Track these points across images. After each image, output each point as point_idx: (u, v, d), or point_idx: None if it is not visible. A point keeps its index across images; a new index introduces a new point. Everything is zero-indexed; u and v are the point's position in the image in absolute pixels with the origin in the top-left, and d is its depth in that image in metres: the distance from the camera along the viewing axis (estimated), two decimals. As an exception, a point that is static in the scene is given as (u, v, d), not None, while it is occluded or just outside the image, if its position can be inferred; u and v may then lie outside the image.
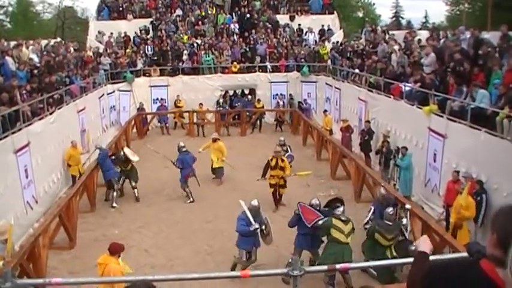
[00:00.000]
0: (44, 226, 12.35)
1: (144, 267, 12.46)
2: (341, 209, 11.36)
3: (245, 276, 6.27)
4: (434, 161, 15.82)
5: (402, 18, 75.00)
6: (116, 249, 9.63)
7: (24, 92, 17.25)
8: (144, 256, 13.27)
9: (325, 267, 7.09)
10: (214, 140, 19.87)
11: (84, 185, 16.10)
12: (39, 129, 16.54)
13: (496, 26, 21.54)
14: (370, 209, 12.94)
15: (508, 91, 13.45)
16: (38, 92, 18.39)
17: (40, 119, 17.10)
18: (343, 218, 10.99)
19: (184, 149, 17.88)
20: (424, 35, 23.74)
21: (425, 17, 72.35)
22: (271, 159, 16.40)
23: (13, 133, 14.63)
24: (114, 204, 16.99)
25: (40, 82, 19.24)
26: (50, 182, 17.23)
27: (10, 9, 59.56)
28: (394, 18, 73.85)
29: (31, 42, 23.82)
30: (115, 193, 17.30)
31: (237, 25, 33.44)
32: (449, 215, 13.82)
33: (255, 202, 12.17)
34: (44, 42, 25.57)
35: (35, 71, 19.93)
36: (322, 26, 33.52)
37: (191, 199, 17.33)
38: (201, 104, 28.32)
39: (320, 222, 11.25)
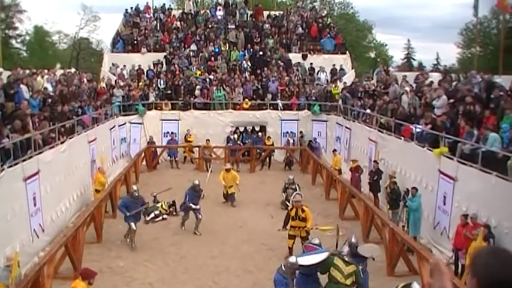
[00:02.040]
0: (49, 255, 12.28)
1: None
2: (346, 249, 11.26)
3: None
4: (444, 203, 15.69)
5: (414, 59, 75.48)
6: (86, 275, 9.69)
7: (37, 120, 17.38)
8: (149, 290, 13.16)
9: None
10: (228, 170, 21.03)
11: (91, 216, 16.06)
12: (49, 158, 16.59)
13: (507, 69, 21.64)
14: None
15: (519, 135, 13.42)
16: (50, 120, 18.52)
17: (51, 147, 17.18)
18: (346, 259, 10.87)
19: (198, 188, 18.33)
20: (435, 77, 23.83)
21: (437, 59, 72.71)
22: (291, 210, 15.37)
23: (23, 160, 14.68)
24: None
25: (52, 111, 19.40)
26: (57, 211, 17.22)
27: (27, 38, 60.56)
28: (405, 60, 74.26)
29: (46, 71, 24.10)
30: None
31: (249, 62, 33.68)
32: (458, 258, 13.74)
33: (293, 259, 11.44)
34: (59, 72, 25.85)
35: (49, 100, 20.10)
36: (334, 65, 33.72)
37: (184, 227, 17.93)
38: (208, 140, 28.35)
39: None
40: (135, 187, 17.33)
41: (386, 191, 18.31)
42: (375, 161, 21.10)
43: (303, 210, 15.11)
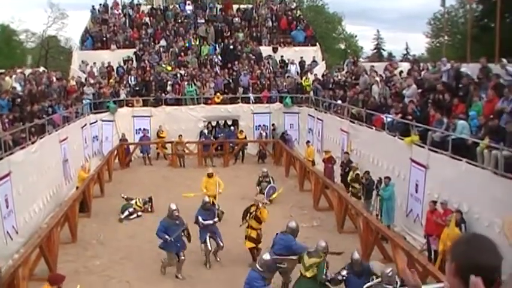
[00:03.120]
0: (24, 257, 12.15)
1: (125, 299, 12.32)
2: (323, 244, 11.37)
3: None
4: (416, 191, 15.93)
5: (383, 50, 76.13)
6: (54, 280, 9.70)
7: (6, 120, 17.16)
8: (126, 288, 13.13)
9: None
10: (211, 176, 18.66)
11: (65, 216, 15.92)
12: (20, 159, 16.41)
13: (474, 58, 21.98)
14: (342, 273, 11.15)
15: (487, 122, 13.66)
16: (20, 121, 18.30)
17: (22, 148, 16.98)
18: (310, 251, 11.00)
19: (209, 205, 15.21)
20: (405, 66, 24.08)
21: (406, 49, 73.45)
22: (251, 205, 14.85)
23: (-6, 162, 14.51)
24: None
25: (22, 111, 19.17)
26: (31, 212, 17.05)
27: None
28: (375, 50, 74.83)
29: (17, 70, 23.78)
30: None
31: (219, 56, 33.62)
32: (431, 244, 13.99)
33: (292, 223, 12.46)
34: (27, 71, 25.52)
35: (18, 100, 19.85)
36: (302, 57, 33.80)
37: (209, 264, 14.44)
38: (180, 135, 28.27)
39: None
40: (173, 206, 14.28)
41: (360, 181, 18.46)
42: (345, 153, 21.29)
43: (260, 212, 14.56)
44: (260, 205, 14.59)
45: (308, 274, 10.76)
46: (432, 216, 13.82)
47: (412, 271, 2.79)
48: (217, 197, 17.52)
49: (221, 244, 14.51)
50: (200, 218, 14.45)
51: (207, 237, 14.41)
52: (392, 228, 15.97)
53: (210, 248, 14.38)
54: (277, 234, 12.48)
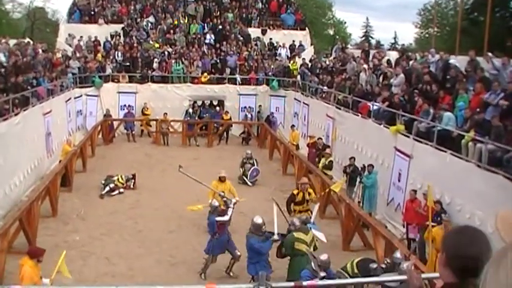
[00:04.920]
0: (3, 230, 12.06)
1: (104, 276, 12.27)
2: (297, 221, 11.37)
3: (210, 288, 6.18)
4: (399, 180, 16.00)
5: (372, 38, 76.05)
6: (34, 253, 9.68)
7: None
8: (105, 264, 13.08)
9: (291, 283, 6.94)
10: (223, 180, 15.86)
11: (46, 189, 15.79)
12: (3, 130, 16.25)
13: (462, 50, 22.04)
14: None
15: (473, 115, 13.73)
16: (3, 92, 18.06)
17: (4, 119, 16.79)
18: (303, 229, 11.01)
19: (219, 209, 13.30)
20: (393, 55, 24.10)
21: (395, 38, 73.63)
22: (297, 194, 14.48)
23: (-24, 133, 14.34)
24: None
25: (6, 82, 18.92)
26: (11, 185, 16.88)
27: (-22, 6, 58.49)
28: (364, 38, 74.77)
29: (3, 40, 23.43)
30: None
31: (213, 35, 33.40)
32: (409, 233, 14.11)
33: (258, 219, 11.36)
34: (12, 41, 25.16)
35: (2, 71, 19.58)
36: (294, 41, 33.72)
37: (204, 275, 12.48)
38: (165, 113, 28.13)
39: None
40: (216, 202, 13.53)
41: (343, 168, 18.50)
42: (319, 138, 21.35)
43: (309, 193, 14.60)
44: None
45: (311, 249, 10.79)
46: (412, 205, 13.92)
47: (418, 272, 2.84)
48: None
49: (238, 254, 12.38)
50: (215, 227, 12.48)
51: (218, 253, 12.60)
52: (374, 216, 16.05)
53: (215, 261, 12.59)
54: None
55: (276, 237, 11.30)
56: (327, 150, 20.26)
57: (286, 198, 15.09)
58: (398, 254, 10.24)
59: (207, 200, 14.85)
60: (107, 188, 18.66)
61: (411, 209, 13.99)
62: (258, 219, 11.38)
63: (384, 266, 10.12)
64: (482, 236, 2.53)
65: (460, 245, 2.50)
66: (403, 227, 14.71)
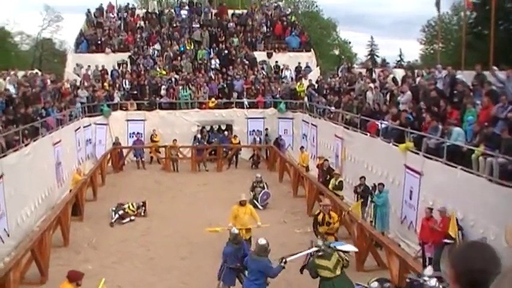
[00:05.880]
0: (15, 260, 12.06)
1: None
2: (319, 243, 11.22)
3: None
4: (411, 198, 15.90)
5: (377, 56, 76.20)
6: (73, 277, 9.70)
7: (-1, 123, 17.09)
8: (118, 292, 13.04)
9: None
10: (243, 204, 15.11)
11: (57, 219, 15.80)
12: (13, 161, 16.32)
13: (468, 64, 22.05)
14: None
15: (482, 129, 13.67)
16: (13, 123, 18.19)
17: (15, 150, 16.88)
18: (323, 254, 10.83)
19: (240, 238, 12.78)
20: (399, 73, 24.12)
21: (400, 55, 73.71)
22: (318, 214, 14.40)
23: (-14, 165, 14.42)
24: None
25: (16, 113, 19.06)
26: (23, 215, 16.93)
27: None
28: (369, 57, 74.93)
29: (12, 72, 23.66)
30: None
31: (217, 60, 33.57)
32: (426, 252, 13.95)
33: (262, 241, 11.08)
34: (21, 73, 25.41)
35: (11, 102, 19.75)
36: (299, 63, 33.84)
37: None
38: (175, 139, 28.20)
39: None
40: (235, 230, 12.97)
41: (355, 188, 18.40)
42: (325, 160, 21.28)
43: (330, 216, 14.28)
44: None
45: (338, 272, 10.66)
46: (428, 223, 13.75)
47: None
48: (247, 234, 14.62)
49: None
50: (229, 261, 12.10)
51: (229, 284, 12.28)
52: (387, 235, 15.93)
53: None
54: (246, 255, 11.64)
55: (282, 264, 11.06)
56: (336, 171, 20.18)
57: (297, 220, 15.04)
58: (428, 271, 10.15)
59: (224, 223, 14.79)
60: (116, 216, 18.65)
61: (427, 227, 13.78)
62: (262, 241, 11.12)
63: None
64: (489, 250, 2.55)
65: (468, 259, 2.51)
66: (419, 245, 14.56)
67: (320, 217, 14.27)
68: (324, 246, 11.08)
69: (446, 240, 12.63)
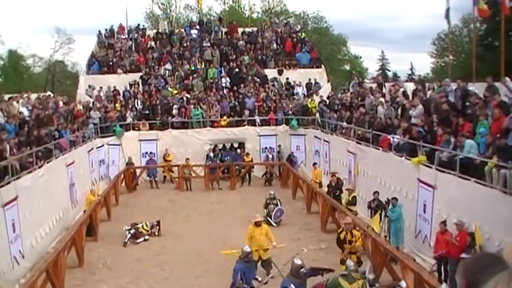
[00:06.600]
0: (30, 282, 12.09)
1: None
2: (351, 264, 11.13)
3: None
4: (424, 212, 15.81)
5: (388, 70, 76.24)
6: None
7: (13, 145, 17.21)
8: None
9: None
10: (259, 224, 14.92)
11: (72, 240, 15.86)
12: (27, 183, 16.42)
13: (479, 77, 21.99)
14: None
15: (495, 141, 13.60)
16: (27, 145, 18.34)
17: (29, 172, 17.00)
18: (349, 277, 10.69)
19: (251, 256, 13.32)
20: (410, 86, 24.08)
21: (411, 69, 73.71)
22: (340, 233, 14.47)
23: (1, 186, 14.52)
24: None
25: (29, 136, 19.23)
26: (37, 237, 17.00)
27: (1, 62, 59.97)
28: (380, 71, 74.96)
29: (25, 95, 23.90)
30: None
31: (228, 78, 33.72)
32: (441, 266, 13.83)
33: (298, 261, 11.18)
34: (34, 95, 25.65)
35: (24, 125, 19.94)
36: (310, 79, 33.92)
37: None
38: (187, 158, 28.29)
39: None
40: (247, 248, 13.18)
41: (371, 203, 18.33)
42: (333, 175, 21.22)
43: (352, 234, 14.18)
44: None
45: None
46: (443, 237, 13.63)
47: None
48: (265, 254, 14.72)
49: None
50: (242, 277, 12.34)
51: None
52: (401, 250, 15.83)
53: None
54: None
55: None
56: (349, 186, 20.12)
57: (311, 236, 14.95)
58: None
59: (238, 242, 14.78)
60: (129, 235, 18.67)
61: (442, 241, 13.66)
62: (298, 261, 11.16)
63: None
64: (499, 260, 2.55)
65: (478, 270, 2.51)
66: (434, 259, 14.45)
67: (342, 235, 14.24)
68: (354, 268, 11.03)
69: (463, 255, 12.50)
